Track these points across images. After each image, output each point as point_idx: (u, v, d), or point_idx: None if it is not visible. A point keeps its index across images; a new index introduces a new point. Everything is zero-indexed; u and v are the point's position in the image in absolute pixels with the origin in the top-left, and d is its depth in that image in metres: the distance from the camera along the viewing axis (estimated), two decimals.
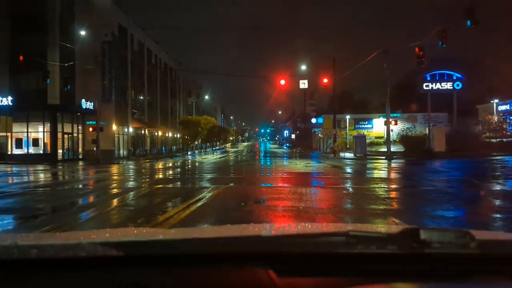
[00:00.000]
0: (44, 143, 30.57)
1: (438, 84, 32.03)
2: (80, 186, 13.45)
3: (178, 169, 21.49)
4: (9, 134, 29.31)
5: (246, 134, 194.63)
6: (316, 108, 65.46)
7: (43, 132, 30.42)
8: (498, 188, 10.74)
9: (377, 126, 50.52)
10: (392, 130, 48.46)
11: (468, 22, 13.54)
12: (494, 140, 30.43)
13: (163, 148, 51.73)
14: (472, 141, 28.19)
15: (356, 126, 49.83)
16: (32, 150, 30.53)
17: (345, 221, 6.25)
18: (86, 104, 31.84)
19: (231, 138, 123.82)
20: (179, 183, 13.26)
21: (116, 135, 36.00)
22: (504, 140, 30.08)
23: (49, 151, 30.07)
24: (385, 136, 50.55)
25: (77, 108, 31.57)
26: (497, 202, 8.39)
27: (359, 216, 6.66)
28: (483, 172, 16.13)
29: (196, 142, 57.08)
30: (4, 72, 29.71)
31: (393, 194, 9.79)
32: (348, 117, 47.25)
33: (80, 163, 29.09)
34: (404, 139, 32.55)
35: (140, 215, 7.02)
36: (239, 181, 12.78)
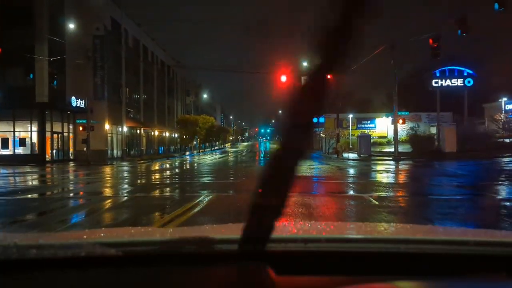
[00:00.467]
0: (32, 143, 28.89)
1: (448, 80, 30.34)
2: (45, 193, 11.63)
3: (171, 172, 19.85)
4: None
5: (246, 134, 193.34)
6: None
7: (31, 131, 28.75)
8: None
9: (380, 126, 49.30)
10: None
11: (496, 5, 11.99)
12: (507, 140, 28.90)
13: (161, 148, 50.13)
14: (484, 141, 26.61)
15: (358, 125, 48.69)
16: (20, 150, 28.89)
17: None
18: (77, 102, 30.21)
19: (230, 138, 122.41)
20: (167, 189, 11.55)
21: (109, 134, 34.36)
22: None
23: (37, 152, 28.43)
24: (388, 135, 49.91)
25: (67, 106, 29.92)
26: None
27: None
28: (507, 176, 14.52)
29: (195, 142, 55.54)
30: None
31: (424, 206, 8.18)
32: (351, 116, 45.72)
33: (70, 164, 27.48)
34: (412, 138, 30.97)
35: None
36: (236, 187, 11.13)
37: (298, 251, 1.07)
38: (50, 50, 27.66)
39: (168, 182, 13.78)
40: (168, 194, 10.52)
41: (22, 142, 28.88)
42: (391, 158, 27.18)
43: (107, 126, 32.89)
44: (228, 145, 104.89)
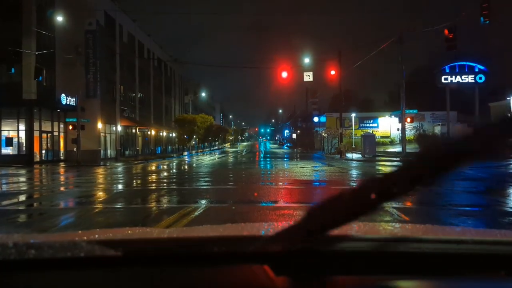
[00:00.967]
0: (19, 143, 27.39)
1: (458, 77, 28.81)
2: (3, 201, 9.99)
3: (163, 174, 18.32)
4: None
5: (246, 133, 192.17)
6: (319, 106, 62.91)
7: (18, 130, 27.23)
8: None
9: (383, 125, 48.37)
10: (398, 129, 45.98)
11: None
12: None
13: (158, 148, 48.67)
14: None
15: (361, 125, 47.74)
16: (8, 150, 27.40)
17: None
18: (67, 100, 28.73)
19: (230, 138, 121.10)
20: (150, 198, 9.72)
21: (102, 134, 32.89)
22: None
23: (25, 152, 26.93)
24: (391, 135, 48.64)
25: (57, 104, 28.45)
26: None
27: None
28: None
29: (193, 142, 54.11)
30: None
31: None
32: (353, 115, 44.36)
33: (58, 165, 25.98)
34: (419, 138, 29.59)
35: None
36: (231, 196, 9.57)
37: (300, 251, 0.99)
38: (38, 44, 26.17)
39: (155, 187, 12.12)
40: (149, 205, 8.78)
41: (9, 142, 27.38)
42: (398, 158, 25.73)
43: (99, 125, 31.41)
44: (227, 145, 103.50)
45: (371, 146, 29.83)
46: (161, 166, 24.20)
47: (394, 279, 0.93)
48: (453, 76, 28.84)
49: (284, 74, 24.95)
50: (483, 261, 1.04)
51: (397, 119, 40.77)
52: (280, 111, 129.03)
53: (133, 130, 40.32)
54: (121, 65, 36.93)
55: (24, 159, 25.96)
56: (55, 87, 28.55)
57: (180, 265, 0.99)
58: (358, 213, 0.85)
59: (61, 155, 30.40)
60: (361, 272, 0.99)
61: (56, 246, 1.01)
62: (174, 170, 20.99)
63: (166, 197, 9.72)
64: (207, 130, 56.77)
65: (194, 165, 25.24)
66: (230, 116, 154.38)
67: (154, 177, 16.58)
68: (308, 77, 25.92)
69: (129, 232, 1.54)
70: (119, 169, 21.61)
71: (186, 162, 29.94)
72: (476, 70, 28.93)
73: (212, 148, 69.46)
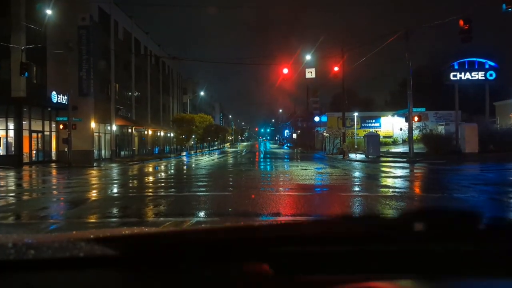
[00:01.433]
0: (8, 142, 26.16)
1: (467, 73, 27.60)
2: None
3: (156, 177, 17.08)
4: None
5: (246, 133, 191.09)
6: (320, 105, 61.69)
7: (6, 129, 25.99)
8: None
9: (385, 125, 47.41)
10: (401, 129, 44.88)
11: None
12: None
13: (156, 148, 47.44)
14: (510, 141, 23.99)
15: (363, 124, 46.69)
16: None
17: None
18: (58, 98, 27.53)
19: (229, 138, 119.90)
20: (131, 208, 8.42)
21: (96, 133, 31.67)
22: None
23: (13, 152, 25.71)
24: (394, 135, 47.44)
25: (48, 102, 27.23)
26: None
27: None
28: None
29: (192, 142, 52.92)
30: None
31: None
32: (356, 114, 43.25)
33: (48, 166, 24.78)
34: (426, 138, 28.35)
35: None
36: (226, 205, 8.36)
37: (296, 251, 1.02)
38: (28, 40, 24.93)
39: (144, 194, 10.84)
40: (130, 219, 7.08)
41: None
42: (404, 159, 24.52)
43: (93, 125, 30.18)
44: (227, 145, 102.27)
45: (375, 147, 28.74)
46: (158, 167, 23.03)
47: (401, 278, 0.92)
48: (462, 73, 27.62)
49: (285, 71, 23.81)
50: (483, 260, 1.01)
51: (400, 119, 39.63)
52: (280, 110, 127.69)
53: (129, 130, 39.10)
54: (117, 63, 35.70)
55: (12, 159, 24.76)
56: (46, 85, 27.33)
57: (178, 264, 0.98)
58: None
59: (53, 155, 29.20)
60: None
61: (55, 246, 1.01)
62: (169, 172, 19.76)
63: (150, 207, 8.43)
64: (206, 130, 55.65)
65: (190, 166, 24.03)
66: (230, 116, 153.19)
67: (145, 180, 15.36)
68: (310, 73, 24.76)
69: (127, 232, 1.43)
70: (110, 171, 20.40)
71: (183, 163, 28.72)
72: (487, 66, 27.71)
73: (211, 148, 68.24)
